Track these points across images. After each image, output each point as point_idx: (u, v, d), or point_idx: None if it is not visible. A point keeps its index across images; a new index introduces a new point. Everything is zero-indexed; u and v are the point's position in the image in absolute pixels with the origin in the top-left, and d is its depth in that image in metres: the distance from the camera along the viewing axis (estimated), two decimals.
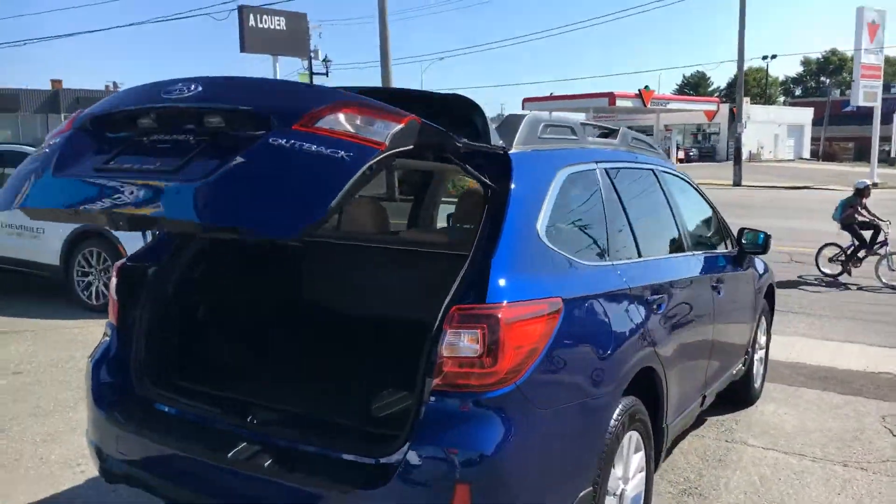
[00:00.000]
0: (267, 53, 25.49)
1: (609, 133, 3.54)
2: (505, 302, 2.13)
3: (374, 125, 2.02)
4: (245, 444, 2.32)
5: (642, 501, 2.98)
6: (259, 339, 3.19)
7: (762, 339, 5.20)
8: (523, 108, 56.18)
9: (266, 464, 2.23)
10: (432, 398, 2.08)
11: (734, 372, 4.45)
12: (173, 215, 2.00)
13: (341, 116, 2.04)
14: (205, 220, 1.96)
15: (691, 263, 3.67)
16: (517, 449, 2.11)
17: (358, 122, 2.02)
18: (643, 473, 2.97)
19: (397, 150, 2.00)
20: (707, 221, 4.45)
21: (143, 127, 2.28)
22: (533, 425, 2.17)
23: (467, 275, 2.18)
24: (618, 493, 2.75)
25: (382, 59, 20.54)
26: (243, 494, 2.27)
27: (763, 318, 5.11)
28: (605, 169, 3.11)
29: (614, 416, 2.57)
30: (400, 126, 2.02)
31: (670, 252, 3.59)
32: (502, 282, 2.17)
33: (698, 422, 4.65)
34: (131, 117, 2.30)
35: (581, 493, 2.38)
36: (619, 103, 45.85)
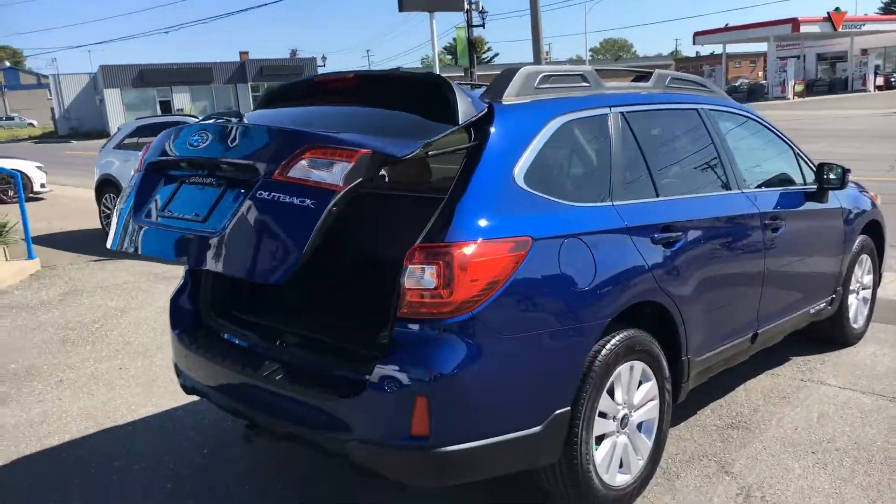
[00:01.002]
0: (424, 11, 26.10)
1: (643, 77, 3.61)
2: (462, 240, 2.40)
3: (333, 167, 2.38)
4: (269, 362, 2.80)
5: (655, 427, 3.14)
6: (308, 278, 3.63)
7: (865, 278, 4.96)
8: (694, 43, 53.00)
9: (279, 377, 2.70)
10: (399, 324, 2.42)
11: (813, 311, 4.34)
12: (198, 265, 2.61)
13: (306, 162, 2.42)
14: (220, 270, 2.53)
15: (735, 201, 3.65)
16: (473, 368, 2.39)
17: (320, 165, 2.40)
18: (656, 402, 3.13)
19: (352, 185, 2.35)
20: (774, 158, 4.32)
21: (185, 171, 2.88)
22: (493, 349, 2.43)
23: (437, 217, 2.48)
24: (618, 416, 2.95)
25: (532, 10, 20.41)
26: (269, 403, 2.76)
27: (866, 256, 4.88)
28: (623, 113, 3.22)
29: (600, 345, 2.76)
30: (351, 165, 2.36)
31: (710, 191, 3.61)
32: (463, 223, 2.44)
33: (779, 360, 4.61)
34: (178, 161, 2.88)
35: (557, 412, 2.62)
36: (805, 29, 42.07)
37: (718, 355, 3.53)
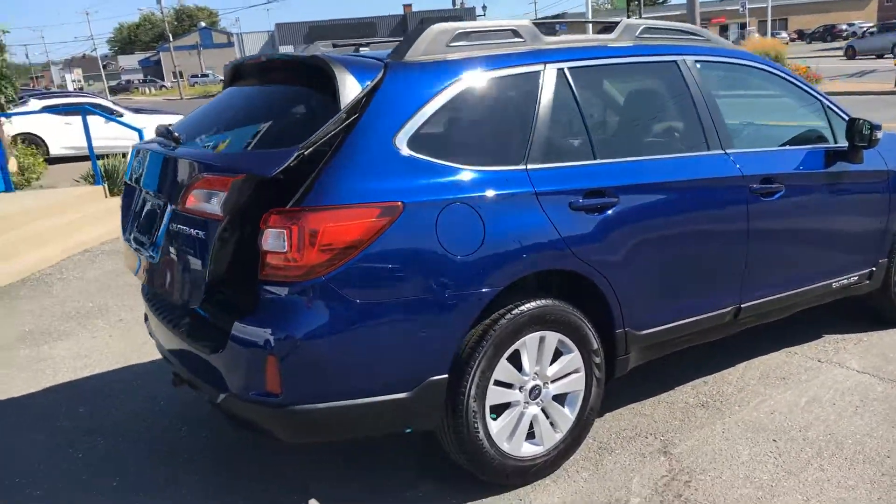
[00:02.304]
0: None
1: (608, 28, 3.37)
2: (316, 205, 2.42)
3: (213, 197, 2.53)
4: (181, 315, 3.00)
5: (580, 401, 3.03)
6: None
7: None
8: None
9: (182, 329, 2.89)
10: (261, 285, 2.51)
11: (837, 285, 3.91)
12: (150, 286, 3.03)
13: (195, 194, 2.61)
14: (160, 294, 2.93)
15: (708, 163, 3.34)
16: (323, 331, 2.42)
17: (205, 196, 2.57)
18: (580, 375, 3.01)
19: (234, 210, 2.48)
20: (796, 115, 3.88)
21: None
22: (348, 313, 2.44)
23: (306, 183, 2.51)
24: (525, 387, 2.88)
25: None
26: (179, 353, 2.97)
27: None
28: (566, 69, 3.05)
29: (491, 314, 2.70)
30: (226, 194, 2.48)
31: (676, 152, 3.33)
32: (323, 188, 2.45)
33: (807, 336, 4.22)
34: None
35: (431, 379, 2.61)
36: None
37: (679, 329, 3.31)
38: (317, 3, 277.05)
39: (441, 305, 2.59)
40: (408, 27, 51.73)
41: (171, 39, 72.67)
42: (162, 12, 74.65)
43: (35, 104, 16.84)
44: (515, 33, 3.02)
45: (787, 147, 3.79)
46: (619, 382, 3.63)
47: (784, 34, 63.88)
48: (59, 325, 5.42)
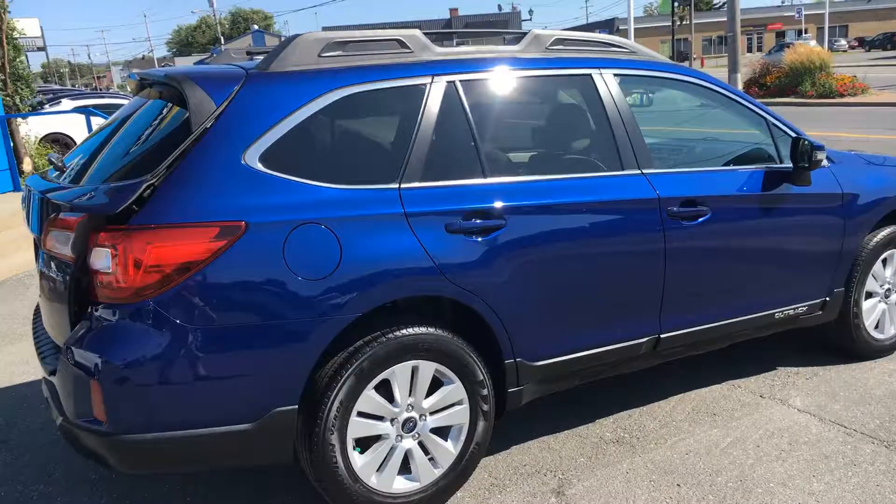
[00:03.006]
0: None
1: (517, 40, 3.19)
2: (145, 224, 2.31)
3: (65, 238, 2.44)
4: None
5: (464, 435, 2.85)
6: None
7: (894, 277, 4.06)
8: None
9: (40, 352, 2.81)
10: (93, 306, 2.40)
11: (782, 315, 3.64)
12: None
13: (53, 234, 2.51)
14: None
15: (618, 184, 3.11)
16: (150, 357, 2.29)
17: (60, 238, 2.48)
18: (464, 407, 2.83)
19: (79, 250, 2.38)
20: (738, 133, 3.63)
21: None
22: (179, 338, 2.31)
23: (137, 200, 2.37)
24: (398, 419, 2.71)
25: None
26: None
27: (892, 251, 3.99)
28: (457, 82, 2.88)
29: (350, 342, 2.55)
30: (73, 235, 2.40)
31: (581, 172, 3.12)
32: (156, 206, 2.33)
33: (758, 367, 3.96)
34: None
35: (276, 410, 2.47)
36: None
37: (582, 361, 3.09)
38: (364, 5, 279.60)
39: (286, 332, 2.44)
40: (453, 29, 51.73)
41: (223, 42, 74.13)
42: (214, 15, 76.18)
43: (67, 104, 17.25)
44: (401, 44, 2.87)
45: (721, 168, 3.54)
46: (539, 411, 3.46)
47: (843, 41, 61.89)
48: (19, 328, 5.44)
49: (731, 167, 3.55)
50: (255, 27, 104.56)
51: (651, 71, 3.44)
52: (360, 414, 2.63)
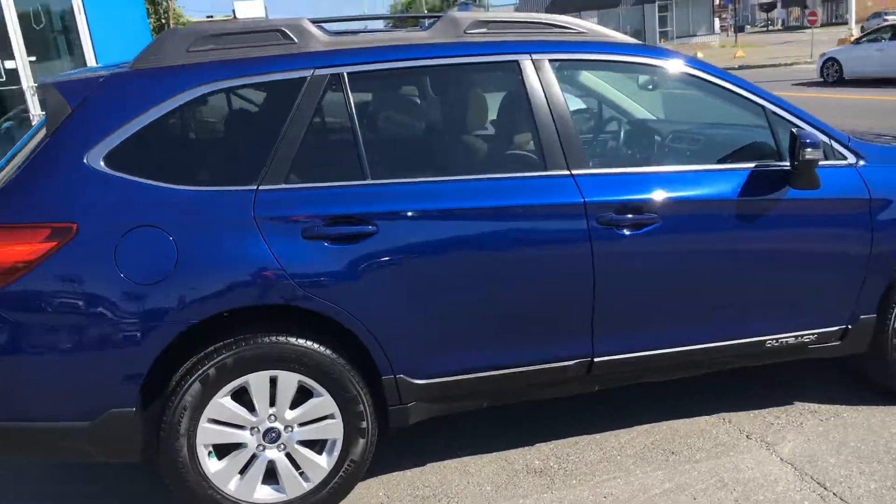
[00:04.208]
0: None
1: (433, 23, 2.89)
2: None
3: None
4: None
5: (339, 449, 2.69)
6: None
7: None
8: None
9: None
10: None
11: (774, 344, 3.05)
12: None
13: None
14: None
15: (542, 186, 2.73)
16: None
17: None
18: (336, 421, 2.67)
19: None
20: (719, 126, 3.05)
21: None
22: (9, 336, 2.35)
23: None
24: (260, 428, 2.62)
25: None
26: None
27: None
28: (345, 74, 2.67)
29: (179, 347, 2.49)
30: None
31: (491, 172, 2.77)
32: None
33: (771, 399, 3.38)
34: None
35: (112, 410, 2.46)
36: None
37: (485, 381, 2.80)
38: None
39: (117, 337, 2.43)
40: None
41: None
42: None
43: None
44: (283, 34, 2.71)
45: (688, 168, 2.99)
46: (484, 425, 3.24)
47: None
48: None
49: (705, 166, 2.99)
50: (463, 1, 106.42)
51: (603, 54, 2.97)
52: (212, 421, 2.58)
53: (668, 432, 3.18)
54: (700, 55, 33.19)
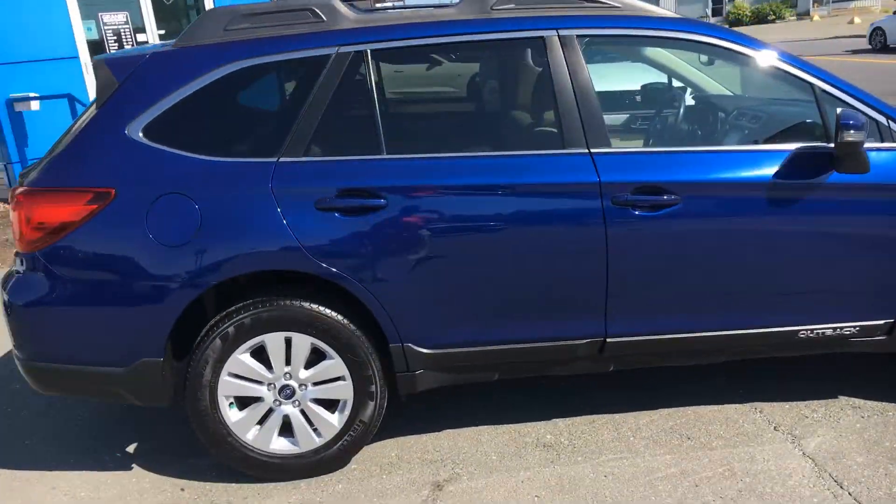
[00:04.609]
0: None
1: (470, 2, 2.89)
2: (35, 187, 2.68)
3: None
4: None
5: (349, 409, 2.85)
6: None
7: None
8: None
9: None
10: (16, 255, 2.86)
11: (809, 335, 2.90)
12: None
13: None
14: None
15: (558, 164, 2.72)
16: (38, 301, 2.67)
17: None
18: (347, 383, 2.82)
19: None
20: (764, 104, 2.89)
21: None
22: (59, 288, 2.65)
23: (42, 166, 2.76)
24: (276, 385, 2.81)
25: None
26: None
27: None
28: (369, 51, 2.77)
29: (200, 305, 2.72)
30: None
31: (508, 149, 2.78)
32: (45, 172, 2.70)
33: (822, 393, 3.22)
34: None
35: (144, 359, 2.72)
36: None
37: (493, 355, 2.85)
38: None
39: (148, 291, 2.68)
40: None
41: None
42: None
43: None
44: (313, 13, 2.82)
45: (721, 148, 2.87)
46: (508, 396, 3.36)
47: None
48: None
49: (738, 147, 2.87)
50: None
51: (637, 29, 2.88)
52: (233, 374, 2.79)
53: (691, 417, 3.12)
54: (857, 21, 30.73)
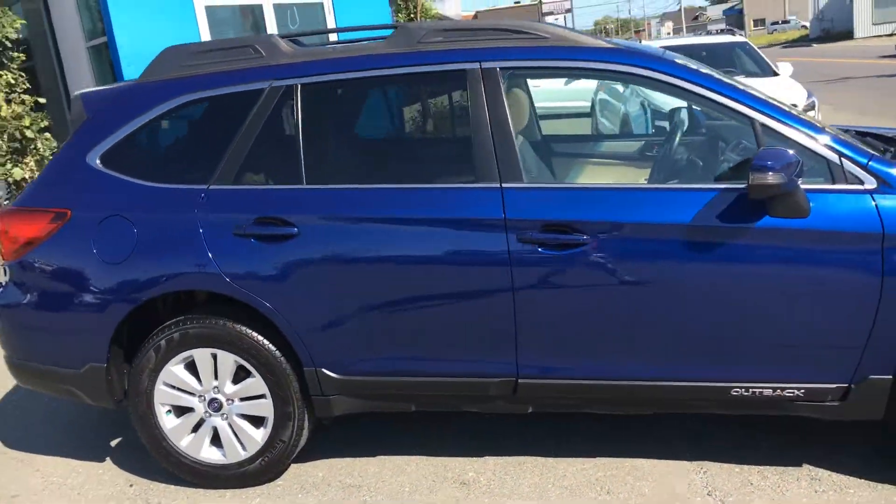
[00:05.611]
0: None
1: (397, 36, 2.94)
2: (13, 207, 3.07)
3: None
4: None
5: (271, 426, 2.97)
6: None
7: None
8: None
9: None
10: None
11: (742, 393, 2.64)
12: None
13: None
14: None
15: (465, 199, 2.69)
16: (9, 306, 3.05)
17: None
18: (268, 401, 2.95)
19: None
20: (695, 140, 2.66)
21: None
22: (24, 296, 3.00)
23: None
24: (205, 397, 3.00)
25: None
26: None
27: None
28: (298, 85, 2.89)
29: (136, 319, 2.94)
30: None
31: (424, 181, 2.78)
32: (24, 194, 3.08)
33: (775, 457, 2.96)
34: None
35: (91, 364, 2.99)
36: None
37: (414, 386, 2.86)
38: None
39: (91, 302, 2.97)
40: None
41: None
42: None
43: None
44: (255, 49, 2.99)
45: (637, 186, 2.69)
46: (451, 426, 3.37)
47: None
48: None
49: (662, 185, 2.69)
50: None
51: (563, 60, 2.79)
52: (167, 384, 3.02)
53: (626, 469, 2.94)
54: None
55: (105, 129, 3.05)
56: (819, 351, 2.59)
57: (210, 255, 2.84)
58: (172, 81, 3.03)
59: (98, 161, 3.02)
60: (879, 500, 2.63)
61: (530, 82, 3.64)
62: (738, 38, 10.49)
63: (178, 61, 3.05)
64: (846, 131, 3.42)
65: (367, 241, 2.78)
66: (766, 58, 9.83)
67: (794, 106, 3.30)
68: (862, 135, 3.34)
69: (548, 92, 10.11)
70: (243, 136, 2.90)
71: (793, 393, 2.64)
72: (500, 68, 2.78)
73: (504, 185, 2.70)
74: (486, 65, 2.78)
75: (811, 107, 8.35)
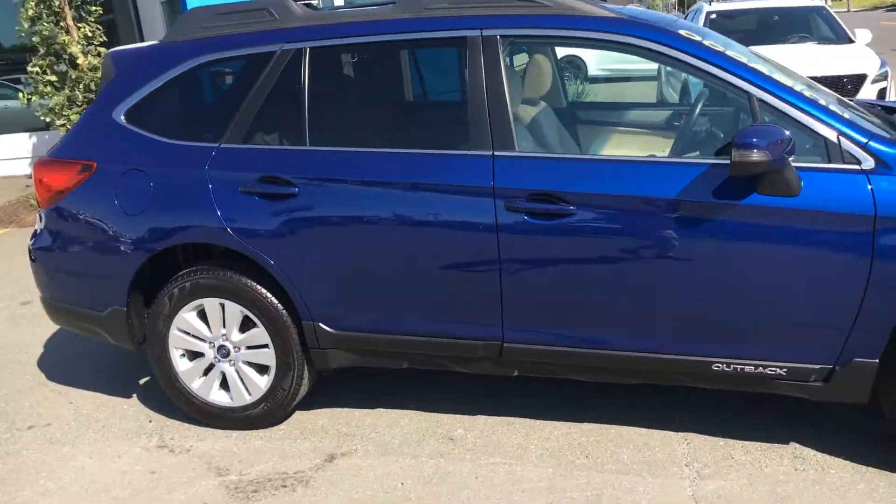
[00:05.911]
0: None
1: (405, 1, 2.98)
2: (47, 158, 3.29)
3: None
4: None
5: (273, 374, 3.13)
6: None
7: None
8: None
9: None
10: None
11: (725, 368, 2.64)
12: None
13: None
14: None
15: (457, 165, 2.73)
16: (44, 249, 3.28)
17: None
18: (270, 350, 3.12)
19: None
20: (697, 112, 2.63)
21: None
22: (56, 240, 3.23)
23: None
24: (215, 344, 3.19)
25: None
26: None
27: None
28: (308, 49, 2.99)
29: (150, 268, 3.14)
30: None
31: (421, 147, 2.83)
32: (57, 146, 3.29)
33: (775, 436, 2.97)
34: None
35: (113, 307, 3.22)
36: None
37: (405, 344, 2.97)
38: None
39: (112, 249, 3.17)
40: None
41: None
42: None
43: None
44: (269, 12, 3.09)
45: (626, 158, 2.67)
46: (457, 383, 3.46)
47: None
48: None
49: (652, 158, 2.67)
50: None
51: (565, 30, 2.78)
52: (181, 330, 3.22)
53: (611, 436, 2.99)
54: None
55: (130, 86, 3.22)
56: (803, 330, 2.57)
57: (218, 211, 2.99)
58: (193, 42, 3.17)
59: (122, 117, 3.20)
60: (859, 482, 2.62)
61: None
62: (815, 2, 9.98)
63: (200, 22, 3.18)
64: (872, 106, 3.31)
65: (360, 203, 2.87)
66: (842, 24, 9.36)
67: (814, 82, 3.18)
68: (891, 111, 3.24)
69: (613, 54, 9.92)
70: (254, 97, 3.03)
71: (775, 371, 2.63)
72: (501, 36, 2.80)
73: (496, 153, 2.74)
74: (486, 32, 2.81)
75: (882, 77, 7.93)
